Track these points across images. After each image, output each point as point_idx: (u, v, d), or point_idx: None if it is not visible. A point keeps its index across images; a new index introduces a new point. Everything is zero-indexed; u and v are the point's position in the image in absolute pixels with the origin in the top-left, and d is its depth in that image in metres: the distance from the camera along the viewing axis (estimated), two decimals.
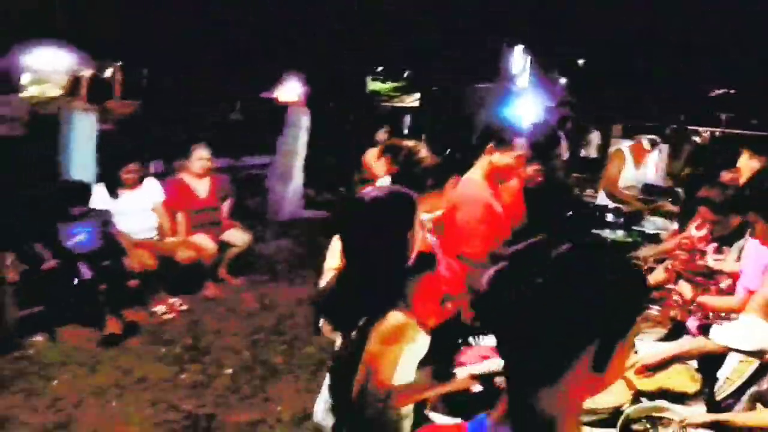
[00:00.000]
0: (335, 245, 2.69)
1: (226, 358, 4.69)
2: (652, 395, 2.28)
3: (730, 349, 2.19)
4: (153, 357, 4.65)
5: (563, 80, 13.43)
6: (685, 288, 3.06)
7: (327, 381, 2.19)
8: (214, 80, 9.15)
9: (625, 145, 5.67)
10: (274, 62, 9.46)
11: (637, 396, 2.26)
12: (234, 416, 3.90)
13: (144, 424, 3.77)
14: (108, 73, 8.80)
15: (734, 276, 2.86)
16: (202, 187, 5.91)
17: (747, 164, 3.72)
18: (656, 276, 3.37)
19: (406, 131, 10.43)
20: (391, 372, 1.90)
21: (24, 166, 5.96)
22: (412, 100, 11.63)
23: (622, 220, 4.91)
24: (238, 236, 6.06)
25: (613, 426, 2.06)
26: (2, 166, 5.65)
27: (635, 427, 2.08)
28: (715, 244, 3.19)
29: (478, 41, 10.39)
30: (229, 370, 4.51)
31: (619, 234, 4.47)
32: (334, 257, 2.31)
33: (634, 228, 4.79)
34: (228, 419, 3.87)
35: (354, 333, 1.94)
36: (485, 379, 2.14)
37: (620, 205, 5.18)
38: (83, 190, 5.14)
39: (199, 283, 5.79)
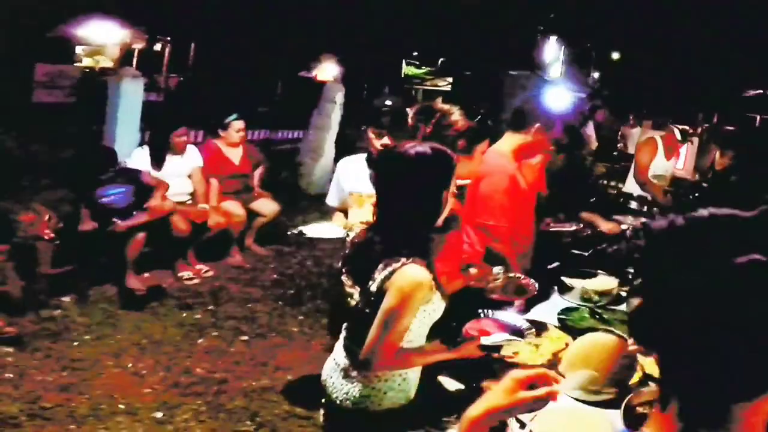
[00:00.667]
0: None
1: (245, 325, 4.65)
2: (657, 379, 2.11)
3: None
4: (174, 321, 4.62)
5: (596, 74, 13.12)
6: None
7: (341, 339, 2.11)
8: (256, 59, 9.13)
9: (658, 134, 5.40)
10: (314, 44, 9.39)
11: (645, 378, 2.09)
12: (244, 382, 3.85)
13: (156, 386, 3.74)
14: (158, 47, 8.84)
15: None
16: (235, 154, 5.88)
17: None
18: None
19: None
20: (404, 331, 1.86)
21: (74, 132, 6.00)
22: (445, 84, 11.48)
23: (645, 208, 4.68)
24: (267, 206, 5.99)
25: (617, 407, 1.89)
26: (56, 131, 5.69)
27: (640, 409, 1.91)
28: None
29: (512, 30, 10.19)
30: (245, 337, 4.46)
31: (641, 221, 4.24)
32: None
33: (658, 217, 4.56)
34: (238, 385, 3.82)
35: (373, 287, 1.86)
36: (491, 350, 2.08)
37: (646, 194, 4.95)
38: (111, 158, 5.14)
39: (225, 250, 5.75)
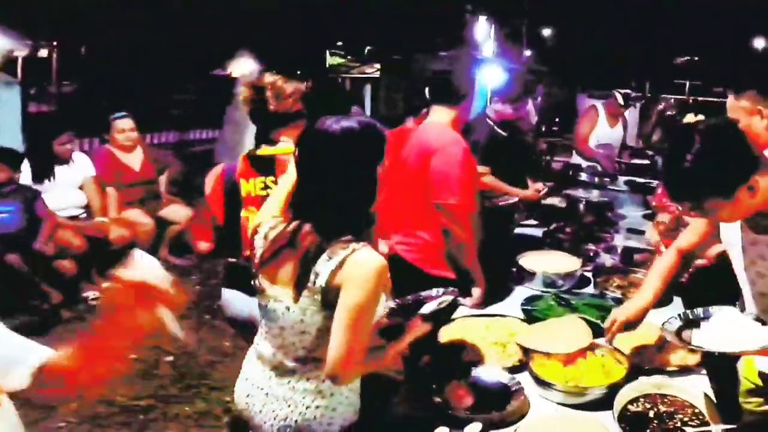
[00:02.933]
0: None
1: (168, 344, 4.22)
2: (649, 371, 1.89)
3: None
4: None
5: (528, 51, 13.21)
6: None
7: (261, 353, 1.82)
8: (159, 59, 8.73)
9: (599, 102, 5.31)
10: (227, 39, 9.03)
11: (633, 372, 1.87)
12: (175, 408, 3.51)
13: (70, 419, 3.37)
14: (44, 53, 8.28)
15: None
16: (133, 160, 5.40)
17: None
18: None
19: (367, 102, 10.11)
20: (372, 329, 1.64)
21: None
22: (373, 71, 11.25)
23: (596, 179, 4.57)
24: (178, 212, 5.55)
25: (608, 408, 1.66)
26: None
27: (633, 408, 1.68)
28: None
29: (440, 11, 10.10)
30: (170, 358, 4.08)
31: (594, 194, 4.11)
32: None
33: (610, 188, 4.46)
34: (169, 412, 3.48)
35: (319, 283, 1.59)
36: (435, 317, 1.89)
37: (594, 164, 4.84)
38: (15, 157, 4.64)
39: None
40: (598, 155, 4.95)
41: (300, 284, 1.62)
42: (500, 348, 2.07)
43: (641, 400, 1.73)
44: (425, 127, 2.82)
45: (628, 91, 5.02)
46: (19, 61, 6.96)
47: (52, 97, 7.90)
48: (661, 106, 7.29)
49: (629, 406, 1.70)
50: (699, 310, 1.77)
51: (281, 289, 1.68)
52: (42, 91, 7.61)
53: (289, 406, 1.69)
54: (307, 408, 1.67)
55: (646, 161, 5.20)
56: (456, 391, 1.84)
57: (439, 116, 2.78)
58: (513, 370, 1.96)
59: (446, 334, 2.19)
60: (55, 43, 8.25)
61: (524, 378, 1.89)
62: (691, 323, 1.73)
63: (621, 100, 4.93)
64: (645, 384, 1.79)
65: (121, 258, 4.60)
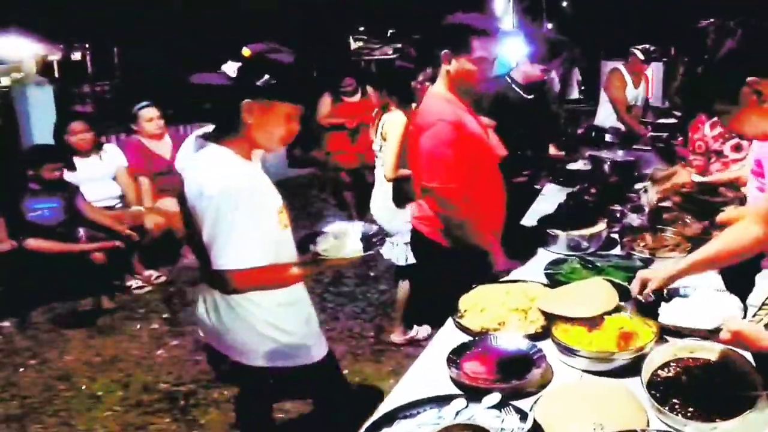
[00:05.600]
0: None
1: None
2: (677, 333, 1.69)
3: None
4: (127, 334, 4.19)
5: (549, 24, 12.80)
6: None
7: None
8: (190, 55, 8.67)
9: (620, 63, 5.01)
10: (254, 29, 8.92)
11: (661, 335, 1.67)
12: (215, 392, 3.44)
13: (116, 408, 3.35)
14: (77, 56, 8.31)
15: None
16: (163, 148, 5.30)
17: None
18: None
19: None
20: None
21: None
22: (394, 52, 11.04)
23: (620, 140, 4.32)
24: None
25: (637, 374, 1.47)
26: None
27: (663, 373, 1.49)
28: (733, 141, 2.59)
29: None
30: None
31: (619, 154, 3.86)
32: None
33: (635, 147, 4.20)
34: (209, 396, 3.42)
35: None
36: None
37: (619, 125, 4.58)
38: (61, 154, 4.60)
39: (176, 251, 5.24)
40: (637, 125, 4.68)
41: None
42: (521, 314, 1.89)
43: (672, 364, 1.53)
44: (425, 98, 2.58)
45: (647, 46, 4.71)
46: (55, 64, 7.01)
47: (88, 97, 7.94)
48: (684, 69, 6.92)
49: (659, 372, 1.51)
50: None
51: None
52: (76, 92, 7.66)
53: None
54: None
55: (673, 120, 4.90)
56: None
57: (436, 84, 2.56)
58: (535, 337, 1.79)
59: (464, 301, 2.02)
60: (87, 46, 8.26)
61: (547, 346, 1.71)
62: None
63: (641, 56, 4.63)
64: (676, 348, 1.59)
65: (161, 247, 4.57)
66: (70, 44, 7.88)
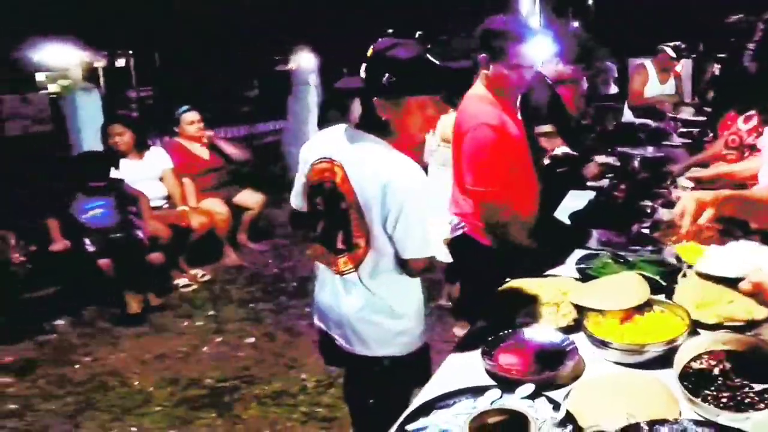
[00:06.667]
0: None
1: (250, 327, 4.30)
2: (711, 327, 1.68)
3: None
4: (175, 332, 4.29)
5: (575, 23, 12.63)
6: None
7: None
8: (225, 60, 8.82)
9: (648, 60, 4.94)
10: (285, 36, 9.03)
11: (694, 328, 1.65)
12: (256, 388, 3.52)
13: (165, 403, 3.43)
14: (121, 62, 8.50)
15: None
16: (201, 149, 5.44)
17: None
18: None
19: None
20: None
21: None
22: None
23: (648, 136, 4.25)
24: (251, 197, 5.56)
25: (669, 366, 1.46)
26: (30, 162, 5.35)
27: (696, 365, 1.48)
28: None
29: None
30: (252, 339, 4.11)
31: (649, 150, 3.80)
32: None
33: (665, 143, 4.14)
34: (251, 392, 3.49)
35: None
36: None
37: (648, 121, 4.51)
38: (106, 158, 4.74)
39: (219, 251, 5.34)
40: (646, 101, 4.60)
41: None
42: (553, 308, 1.89)
43: (705, 356, 1.51)
44: (465, 100, 2.58)
45: (678, 43, 4.63)
46: (100, 70, 7.20)
47: (132, 102, 8.12)
48: (716, 65, 6.78)
49: (692, 364, 1.49)
50: None
51: None
52: (123, 97, 7.85)
53: None
54: None
55: (702, 117, 4.82)
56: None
57: (477, 85, 2.56)
58: (567, 330, 1.79)
59: (499, 294, 2.02)
60: (130, 52, 8.45)
61: (579, 339, 1.71)
62: None
63: (672, 53, 4.55)
64: (709, 340, 1.57)
65: (205, 246, 4.69)
66: (114, 51, 8.08)
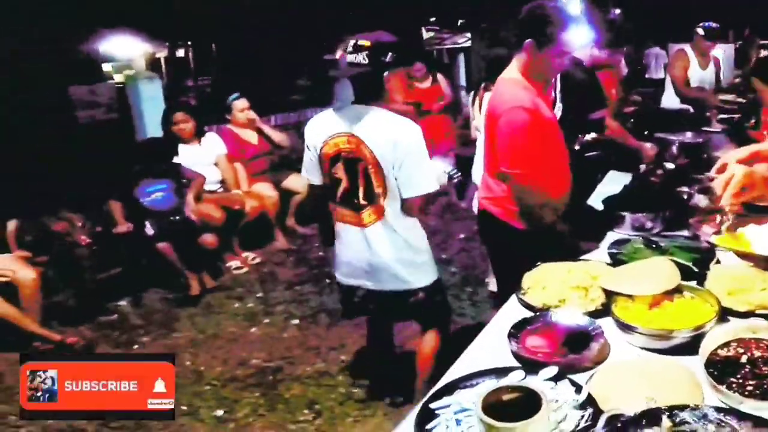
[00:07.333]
0: None
1: (295, 309, 4.35)
2: (743, 314, 1.60)
3: None
4: (227, 313, 4.37)
5: (617, 10, 12.19)
6: None
7: None
8: (278, 50, 8.85)
9: (687, 45, 4.70)
10: (333, 26, 9.00)
11: (724, 316, 1.58)
12: (299, 369, 3.56)
13: (215, 382, 3.50)
14: (181, 53, 8.65)
15: None
16: (251, 135, 5.49)
17: None
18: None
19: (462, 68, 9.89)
20: None
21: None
22: (465, 40, 10.80)
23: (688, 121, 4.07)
24: (298, 181, 5.58)
25: (695, 353, 1.41)
26: (97, 149, 5.51)
27: (723, 352, 1.41)
28: None
29: None
30: (296, 321, 4.16)
31: (687, 135, 3.64)
32: None
33: (704, 129, 3.95)
34: (293, 372, 3.54)
35: None
36: None
37: (687, 107, 4.31)
38: (167, 144, 4.85)
39: (269, 234, 5.41)
40: (698, 94, 4.38)
41: None
42: (582, 292, 1.83)
43: (733, 344, 1.45)
44: (498, 84, 2.52)
45: (710, 23, 4.38)
46: (162, 61, 7.35)
47: (191, 91, 8.26)
48: (762, 51, 6.43)
49: (719, 351, 1.43)
50: None
51: None
52: (184, 86, 8.01)
53: None
54: None
55: (743, 99, 4.57)
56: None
57: (511, 68, 2.49)
58: (595, 315, 1.74)
59: (528, 279, 1.98)
60: (190, 44, 8.59)
61: (606, 323, 1.66)
62: None
63: (704, 33, 4.31)
64: (738, 327, 1.50)
65: (256, 230, 4.77)
66: (175, 42, 8.24)
